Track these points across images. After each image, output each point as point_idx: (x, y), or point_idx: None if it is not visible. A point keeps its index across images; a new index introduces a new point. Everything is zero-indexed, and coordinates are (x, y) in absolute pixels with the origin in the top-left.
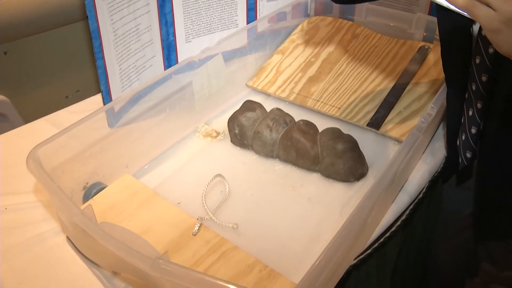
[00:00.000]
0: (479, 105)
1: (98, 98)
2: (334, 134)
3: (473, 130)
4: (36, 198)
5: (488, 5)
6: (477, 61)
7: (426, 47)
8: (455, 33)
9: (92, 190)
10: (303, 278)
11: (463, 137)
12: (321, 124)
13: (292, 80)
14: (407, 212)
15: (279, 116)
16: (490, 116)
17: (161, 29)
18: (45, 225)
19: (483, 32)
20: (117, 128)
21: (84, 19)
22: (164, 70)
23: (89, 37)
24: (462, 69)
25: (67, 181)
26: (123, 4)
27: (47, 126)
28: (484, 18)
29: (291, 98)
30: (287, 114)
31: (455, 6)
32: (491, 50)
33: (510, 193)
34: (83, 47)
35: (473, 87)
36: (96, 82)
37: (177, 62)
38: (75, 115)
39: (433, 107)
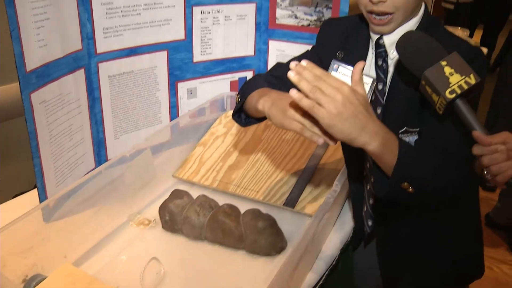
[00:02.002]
0: (372, 179)
1: (29, 195)
2: (255, 214)
3: (371, 201)
4: None
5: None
6: None
7: None
8: None
9: (31, 283)
10: None
11: (365, 208)
12: (243, 207)
13: (214, 169)
14: (323, 277)
15: (205, 201)
16: None
17: (91, 127)
18: None
19: None
20: (55, 222)
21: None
22: (95, 166)
23: (6, 138)
24: (358, 152)
25: (8, 274)
26: (58, 106)
27: None
28: (321, 116)
29: (214, 185)
30: (212, 199)
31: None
32: None
33: (406, 253)
34: (2, 149)
35: (368, 165)
36: (14, 182)
37: (106, 158)
38: (6, 213)
39: (337, 184)
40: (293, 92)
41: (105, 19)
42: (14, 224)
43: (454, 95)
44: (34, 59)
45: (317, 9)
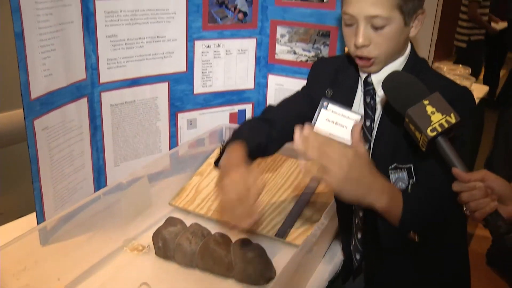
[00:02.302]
0: (360, 214)
1: (27, 218)
2: (245, 243)
3: (359, 235)
4: None
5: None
6: None
7: None
8: None
9: None
10: None
11: (353, 242)
12: (235, 236)
13: (209, 198)
14: None
15: (198, 229)
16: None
17: (92, 154)
18: None
19: None
20: (50, 245)
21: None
22: (94, 191)
23: (13, 162)
24: None
25: None
26: (60, 133)
27: None
28: (330, 181)
29: (209, 214)
30: (205, 228)
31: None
32: None
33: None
34: (6, 173)
35: None
36: (18, 205)
37: (106, 184)
38: (3, 234)
39: (325, 216)
40: (301, 164)
41: (109, 50)
42: (9, 246)
43: (435, 133)
44: (39, 87)
45: (315, 45)
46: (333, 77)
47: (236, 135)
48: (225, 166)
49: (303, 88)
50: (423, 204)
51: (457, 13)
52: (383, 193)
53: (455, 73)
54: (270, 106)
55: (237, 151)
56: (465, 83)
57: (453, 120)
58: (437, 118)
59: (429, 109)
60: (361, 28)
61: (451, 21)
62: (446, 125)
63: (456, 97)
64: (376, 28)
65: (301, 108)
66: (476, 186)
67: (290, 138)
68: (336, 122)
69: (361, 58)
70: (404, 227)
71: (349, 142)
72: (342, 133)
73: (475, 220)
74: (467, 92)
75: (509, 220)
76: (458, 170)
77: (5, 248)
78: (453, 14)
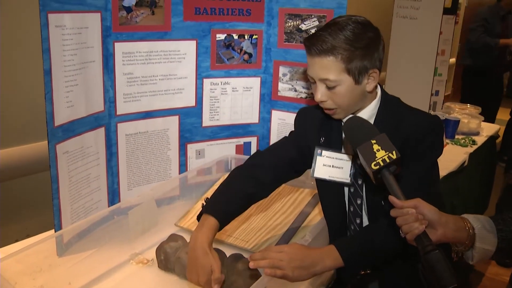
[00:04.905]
0: (352, 227)
1: (47, 233)
2: (236, 257)
3: None
4: None
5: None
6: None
7: None
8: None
9: None
10: None
11: None
12: (230, 252)
13: None
14: None
15: None
16: None
17: (107, 178)
18: None
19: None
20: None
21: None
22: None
23: (38, 190)
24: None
25: None
26: (78, 157)
27: None
28: (287, 278)
29: None
30: None
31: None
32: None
33: None
34: (35, 198)
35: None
36: (44, 227)
37: None
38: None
39: (309, 234)
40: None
41: (125, 86)
42: (28, 249)
43: (378, 167)
44: (62, 116)
45: None
46: (319, 125)
47: (216, 197)
48: (195, 243)
49: (291, 134)
50: (363, 250)
51: None
52: (324, 259)
53: (465, 112)
54: (259, 153)
55: (207, 230)
56: (474, 121)
57: (394, 156)
58: (381, 155)
59: (376, 147)
60: (318, 87)
61: None
62: (388, 161)
63: (427, 133)
64: (329, 88)
65: (291, 155)
66: (409, 212)
67: (282, 181)
68: (332, 165)
69: (325, 108)
70: (350, 270)
71: (347, 180)
72: (339, 173)
73: (409, 241)
74: (435, 126)
75: (436, 241)
76: (393, 198)
77: (25, 250)
78: None
